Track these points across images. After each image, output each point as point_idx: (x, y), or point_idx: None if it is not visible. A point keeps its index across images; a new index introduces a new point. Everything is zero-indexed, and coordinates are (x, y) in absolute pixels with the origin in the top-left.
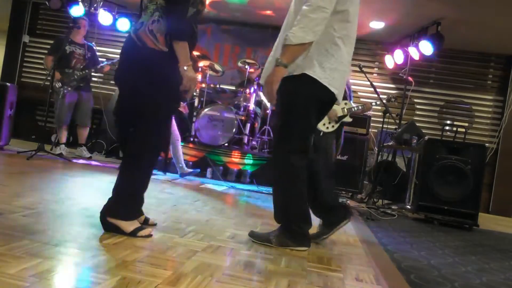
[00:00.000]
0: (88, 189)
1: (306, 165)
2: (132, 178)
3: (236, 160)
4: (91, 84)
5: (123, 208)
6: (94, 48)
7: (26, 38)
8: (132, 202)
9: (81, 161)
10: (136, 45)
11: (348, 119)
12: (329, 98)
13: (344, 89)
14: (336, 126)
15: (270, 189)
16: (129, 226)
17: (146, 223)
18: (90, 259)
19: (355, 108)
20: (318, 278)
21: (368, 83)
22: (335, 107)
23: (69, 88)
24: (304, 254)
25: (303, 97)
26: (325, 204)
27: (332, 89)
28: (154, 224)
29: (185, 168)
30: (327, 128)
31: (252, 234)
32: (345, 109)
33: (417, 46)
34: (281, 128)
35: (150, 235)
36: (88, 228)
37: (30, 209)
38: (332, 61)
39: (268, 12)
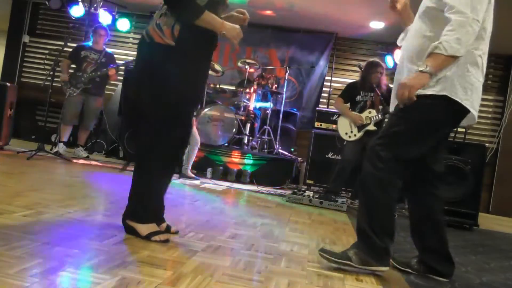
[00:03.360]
0: (87, 189)
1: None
2: (141, 180)
3: (236, 160)
4: (106, 87)
5: (137, 211)
6: (113, 56)
7: (26, 38)
8: (145, 205)
9: (81, 161)
10: (145, 41)
11: (372, 127)
12: (459, 120)
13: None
14: (359, 135)
15: (270, 190)
16: (144, 229)
17: (168, 231)
18: (90, 259)
19: (377, 117)
20: (318, 278)
21: None
22: (357, 116)
23: (75, 89)
24: (304, 254)
25: (437, 119)
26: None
27: (473, 111)
28: (176, 232)
29: (189, 172)
30: (349, 137)
31: (325, 251)
32: (369, 118)
33: None
34: (399, 135)
35: (166, 240)
36: (88, 228)
37: (30, 209)
38: (473, 81)
39: (268, 12)
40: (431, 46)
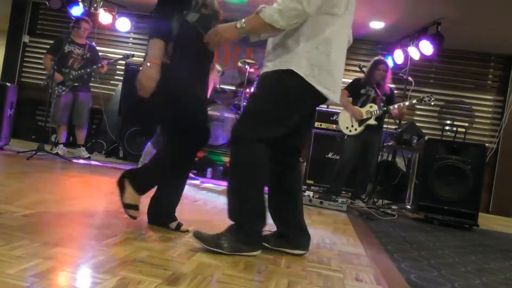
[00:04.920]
0: (88, 189)
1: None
2: (155, 168)
3: None
4: (90, 84)
5: (141, 182)
6: (96, 48)
7: (26, 38)
8: (148, 181)
9: (81, 161)
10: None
11: (372, 122)
12: (315, 97)
13: (340, 88)
14: (360, 129)
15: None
16: (131, 196)
17: (178, 229)
18: (90, 259)
19: (378, 111)
20: (318, 278)
21: None
22: (358, 110)
23: (64, 88)
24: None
25: (286, 92)
26: (299, 222)
27: (320, 88)
28: (186, 231)
29: None
30: (350, 131)
31: (199, 236)
32: (370, 112)
33: (417, 46)
34: (256, 115)
35: (133, 217)
36: (88, 228)
37: (30, 209)
38: (322, 59)
39: None
40: (259, 6)
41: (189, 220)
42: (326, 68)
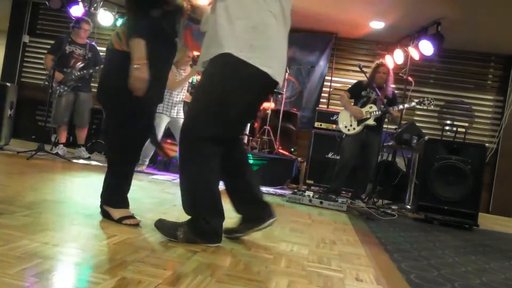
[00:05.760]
0: (88, 189)
1: (231, 154)
2: (114, 170)
3: None
4: (91, 84)
5: (112, 197)
6: (97, 49)
7: (26, 38)
8: (119, 192)
9: (81, 161)
10: (108, 48)
11: (371, 122)
12: (264, 80)
13: (284, 71)
14: (358, 128)
15: (270, 189)
16: (117, 213)
17: None
18: (90, 259)
19: (378, 112)
20: (318, 278)
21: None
22: (358, 110)
23: (66, 88)
24: (304, 254)
25: (229, 80)
26: (255, 197)
27: (265, 69)
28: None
29: None
30: (348, 130)
31: (160, 225)
32: (369, 112)
33: (417, 46)
34: (201, 111)
35: (136, 224)
36: (88, 228)
37: (30, 209)
38: (262, 39)
39: None
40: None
41: None
42: (269, 46)
